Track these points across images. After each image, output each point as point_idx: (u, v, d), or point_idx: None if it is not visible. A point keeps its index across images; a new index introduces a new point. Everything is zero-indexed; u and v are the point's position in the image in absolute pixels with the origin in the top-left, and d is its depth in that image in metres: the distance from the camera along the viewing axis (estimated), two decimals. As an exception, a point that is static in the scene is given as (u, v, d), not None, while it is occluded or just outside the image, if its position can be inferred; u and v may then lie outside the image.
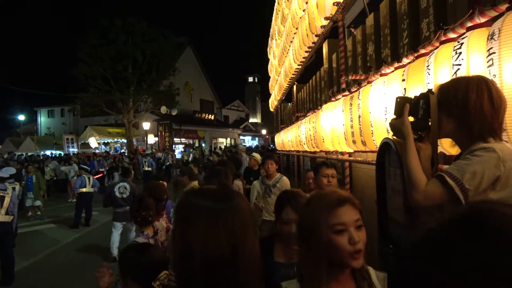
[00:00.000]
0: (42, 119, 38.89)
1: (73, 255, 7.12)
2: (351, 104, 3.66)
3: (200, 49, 37.22)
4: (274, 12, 10.81)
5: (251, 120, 48.73)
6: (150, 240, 2.78)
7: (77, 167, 12.08)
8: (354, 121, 3.58)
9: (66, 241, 8.14)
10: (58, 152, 25.15)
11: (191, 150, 24.49)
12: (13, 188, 6.91)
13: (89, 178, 9.46)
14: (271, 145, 24.79)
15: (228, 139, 38.83)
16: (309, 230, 1.20)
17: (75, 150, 24.84)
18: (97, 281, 1.95)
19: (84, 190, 9.26)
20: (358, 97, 3.46)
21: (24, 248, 7.45)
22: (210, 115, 36.42)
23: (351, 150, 4.23)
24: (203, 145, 31.88)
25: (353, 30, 4.90)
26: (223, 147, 27.46)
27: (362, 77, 3.99)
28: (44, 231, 9.07)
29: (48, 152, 25.37)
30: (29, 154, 23.81)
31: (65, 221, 9.81)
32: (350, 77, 4.44)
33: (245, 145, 22.81)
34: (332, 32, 5.32)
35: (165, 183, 4.21)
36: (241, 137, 42.03)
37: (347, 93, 4.11)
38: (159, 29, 23.34)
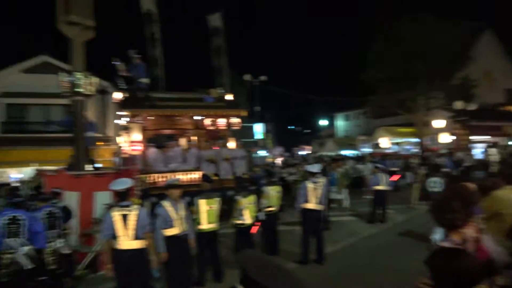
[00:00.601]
0: (339, 123, 43.59)
1: (370, 248, 7.59)
2: None
3: (502, 33, 31.23)
4: None
5: None
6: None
7: (371, 165, 12.80)
8: None
9: (363, 234, 8.78)
10: (353, 152, 27.42)
11: (497, 149, 20.93)
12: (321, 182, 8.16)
13: (383, 177, 9.81)
14: None
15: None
16: None
17: (369, 150, 26.33)
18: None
19: (379, 187, 9.69)
20: None
21: (330, 234, 8.56)
22: (519, 107, 30.00)
23: None
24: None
25: None
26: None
27: None
28: (345, 222, 10.11)
29: (345, 152, 28.16)
30: (329, 153, 27.20)
31: (362, 216, 10.56)
32: None
33: None
34: None
35: (473, 185, 3.77)
36: None
37: None
38: (450, 18, 21.34)
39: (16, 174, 17.37)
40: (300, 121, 63.70)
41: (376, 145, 26.77)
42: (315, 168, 7.42)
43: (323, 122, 44.78)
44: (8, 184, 10.55)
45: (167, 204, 5.13)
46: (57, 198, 6.31)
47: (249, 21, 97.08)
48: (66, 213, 6.21)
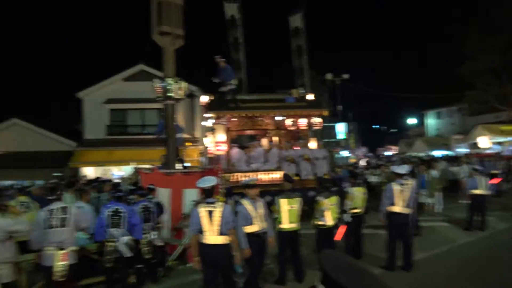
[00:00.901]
0: (430, 121, 40.56)
1: (465, 258, 6.94)
2: None
3: None
4: None
5: None
6: None
7: (467, 167, 11.68)
8: None
9: (459, 242, 8.04)
10: (446, 152, 25.31)
11: None
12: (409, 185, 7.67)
13: (482, 180, 8.90)
14: None
15: None
16: None
17: (465, 150, 24.06)
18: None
19: (477, 192, 8.81)
20: None
21: (420, 240, 8.01)
22: None
23: None
24: None
25: None
26: None
27: None
28: (437, 228, 9.37)
29: (436, 153, 26.10)
30: (419, 154, 25.44)
31: (457, 222, 9.70)
32: None
33: None
34: None
35: None
36: None
37: None
38: None
39: (117, 172, 19.38)
40: (386, 120, 60.82)
41: (474, 145, 24.31)
42: (402, 169, 7.03)
43: (411, 121, 42.02)
44: (110, 180, 11.76)
45: (246, 202, 5.30)
46: (151, 194, 6.88)
47: (330, 18, 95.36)
48: (159, 208, 6.74)
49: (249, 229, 5.21)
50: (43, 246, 4.80)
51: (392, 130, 55.29)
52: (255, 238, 5.21)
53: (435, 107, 38.25)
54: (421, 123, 43.19)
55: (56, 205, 4.98)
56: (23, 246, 5.64)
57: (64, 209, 4.95)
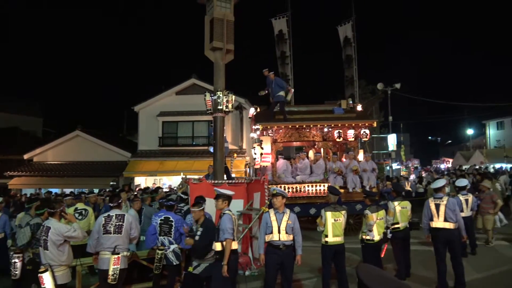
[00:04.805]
0: (491, 131, 38.00)
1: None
2: None
3: None
4: None
5: None
6: None
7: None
8: None
9: (521, 262, 7.45)
10: (509, 165, 23.59)
11: None
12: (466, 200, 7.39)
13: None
14: None
15: None
16: None
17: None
18: None
19: (541, 209, 8.14)
20: None
21: (474, 260, 7.55)
22: None
23: None
24: None
25: None
26: None
27: None
28: (495, 247, 8.76)
29: (498, 165, 24.39)
30: (477, 167, 23.89)
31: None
32: None
33: None
34: None
35: None
36: None
37: None
38: None
39: (168, 181, 20.18)
40: (443, 130, 57.80)
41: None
42: (462, 182, 6.75)
43: (469, 132, 39.60)
44: (161, 189, 12.25)
45: (271, 212, 5.37)
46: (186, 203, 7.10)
47: (382, 28, 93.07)
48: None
49: (268, 237, 5.25)
50: (99, 250, 5.16)
51: (448, 142, 52.39)
52: (273, 249, 5.20)
53: (497, 117, 35.82)
54: (480, 134, 40.58)
55: (114, 212, 5.33)
56: (80, 250, 6.08)
57: (120, 217, 5.29)
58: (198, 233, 5.06)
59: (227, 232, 4.90)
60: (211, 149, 10.34)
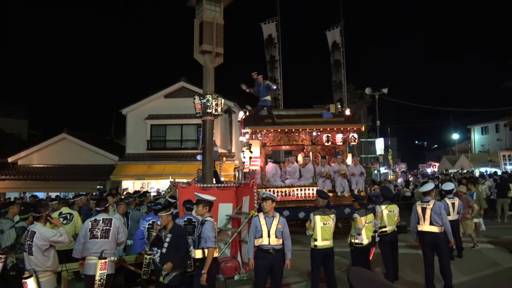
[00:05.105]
0: (476, 136, 38.69)
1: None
2: None
3: None
4: None
5: None
6: None
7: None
8: None
9: (505, 265, 7.57)
10: (493, 169, 24.02)
11: None
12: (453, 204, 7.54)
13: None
14: None
15: None
16: None
17: (513, 167, 22.71)
18: None
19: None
20: None
21: (461, 263, 7.64)
22: None
23: None
24: None
25: None
26: None
27: None
28: (481, 250, 8.88)
29: (483, 169, 24.80)
30: (464, 171, 24.28)
31: (503, 244, 9.16)
32: None
33: None
34: None
35: None
36: None
37: None
38: None
39: (156, 185, 20.00)
40: (429, 135, 58.66)
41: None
42: (448, 186, 6.81)
43: (455, 136, 40.28)
44: (149, 193, 12.15)
45: (260, 216, 5.34)
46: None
47: (368, 30, 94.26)
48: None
49: (257, 242, 5.20)
50: (86, 255, 5.06)
51: (434, 146, 53.17)
52: (262, 253, 5.15)
53: (481, 122, 36.50)
54: (466, 139, 41.29)
55: (101, 216, 5.25)
56: (66, 255, 5.96)
57: (108, 221, 5.20)
58: (167, 239, 4.86)
59: (209, 241, 4.84)
60: (199, 157, 10.31)
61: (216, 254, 5.05)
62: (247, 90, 11.39)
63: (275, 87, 11.31)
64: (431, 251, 6.07)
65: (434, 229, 6.02)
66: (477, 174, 22.30)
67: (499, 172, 19.41)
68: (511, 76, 20.78)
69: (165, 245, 4.85)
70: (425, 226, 6.11)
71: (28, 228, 4.90)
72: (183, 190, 7.70)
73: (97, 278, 4.84)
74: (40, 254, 4.64)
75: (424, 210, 6.14)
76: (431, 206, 6.10)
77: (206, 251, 4.84)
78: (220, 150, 18.26)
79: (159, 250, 5.09)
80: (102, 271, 4.87)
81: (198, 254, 4.89)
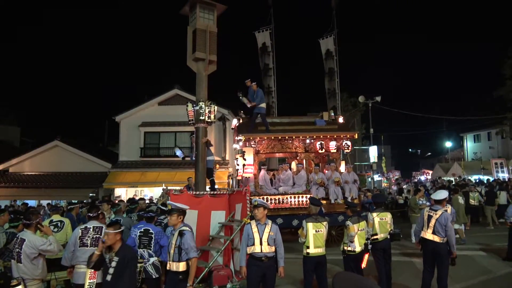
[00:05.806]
0: (469, 144, 38.99)
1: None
2: None
3: None
4: None
5: None
6: None
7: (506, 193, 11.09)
8: None
9: (499, 273, 7.58)
10: (486, 177, 24.20)
11: None
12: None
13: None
14: None
15: None
16: None
17: (506, 175, 22.91)
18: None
19: (517, 219, 8.33)
20: None
21: (454, 270, 7.63)
22: None
23: None
24: None
25: None
26: None
27: None
28: (473, 257, 8.90)
29: (475, 177, 24.96)
30: (455, 178, 24.42)
31: (495, 251, 9.19)
32: None
33: None
34: None
35: None
36: None
37: None
38: None
39: (149, 193, 19.87)
40: (421, 143, 59.01)
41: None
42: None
43: (448, 144, 40.60)
44: (143, 200, 12.01)
45: (252, 223, 5.29)
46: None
47: (363, 40, 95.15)
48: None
49: (249, 249, 5.16)
50: (75, 264, 4.99)
51: (427, 154, 53.54)
52: (254, 261, 5.11)
53: (474, 130, 36.83)
54: (459, 147, 41.62)
55: (92, 224, 5.18)
56: (55, 263, 5.86)
57: (98, 229, 5.13)
58: (113, 264, 4.20)
59: (192, 251, 4.67)
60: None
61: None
62: (249, 105, 11.28)
63: (249, 106, 11.25)
64: (430, 259, 6.02)
65: (436, 238, 5.93)
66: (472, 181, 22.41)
67: (492, 180, 19.58)
68: (503, 84, 20.97)
69: (111, 270, 4.19)
70: (428, 234, 6.02)
71: (17, 235, 4.83)
72: (175, 197, 7.64)
73: (87, 287, 4.76)
74: (29, 262, 4.57)
75: (430, 217, 6.04)
76: (437, 215, 5.97)
77: (190, 262, 4.69)
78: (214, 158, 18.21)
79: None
80: (91, 280, 4.79)
81: (181, 266, 4.68)
